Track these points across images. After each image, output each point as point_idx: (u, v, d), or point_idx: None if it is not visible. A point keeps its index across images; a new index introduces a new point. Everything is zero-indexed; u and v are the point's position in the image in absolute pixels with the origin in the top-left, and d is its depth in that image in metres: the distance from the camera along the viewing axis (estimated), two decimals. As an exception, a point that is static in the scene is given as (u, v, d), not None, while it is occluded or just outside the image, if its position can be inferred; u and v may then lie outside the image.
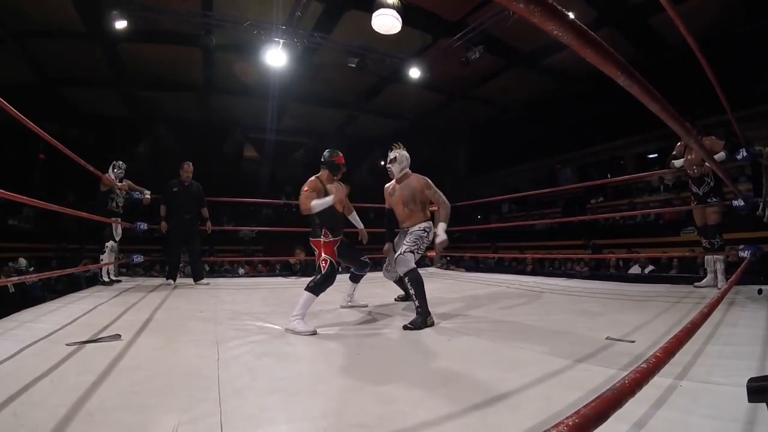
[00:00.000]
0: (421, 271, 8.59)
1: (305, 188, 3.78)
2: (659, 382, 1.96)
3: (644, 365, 1.23)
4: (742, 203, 4.73)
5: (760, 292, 4.15)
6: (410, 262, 3.85)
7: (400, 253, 3.92)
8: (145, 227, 6.49)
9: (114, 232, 6.16)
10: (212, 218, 6.62)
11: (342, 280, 4.08)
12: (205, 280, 6.35)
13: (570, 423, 0.83)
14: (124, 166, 6.28)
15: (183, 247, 6.36)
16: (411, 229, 4.16)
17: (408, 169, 4.31)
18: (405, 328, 3.41)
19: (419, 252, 4.05)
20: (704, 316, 1.94)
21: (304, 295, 3.42)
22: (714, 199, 4.94)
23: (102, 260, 6.07)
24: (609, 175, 11.96)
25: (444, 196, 4.21)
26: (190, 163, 6.34)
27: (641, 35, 10.87)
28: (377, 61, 10.83)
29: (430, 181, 4.25)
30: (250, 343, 2.96)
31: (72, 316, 3.73)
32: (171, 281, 6.08)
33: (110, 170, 6.13)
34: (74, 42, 10.60)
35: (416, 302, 3.62)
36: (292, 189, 17.81)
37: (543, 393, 1.99)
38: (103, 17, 8.77)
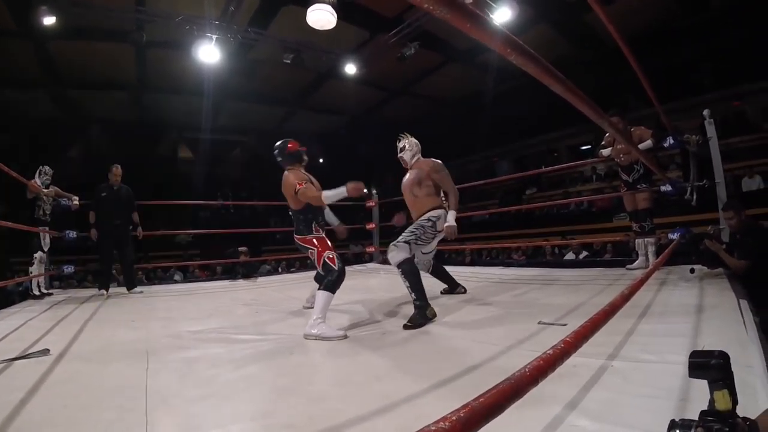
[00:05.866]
0: (359, 267, 8.59)
1: (298, 183, 3.49)
2: (590, 363, 2.03)
3: (550, 351, 1.14)
4: (671, 188, 4.97)
5: (692, 271, 4.34)
6: (401, 252, 3.62)
7: (393, 243, 3.72)
8: (74, 235, 6.22)
9: (42, 241, 5.89)
10: (147, 223, 6.41)
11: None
12: (138, 289, 6.18)
13: (453, 418, 0.74)
14: (50, 171, 6.02)
15: (116, 254, 6.13)
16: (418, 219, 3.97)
17: (420, 155, 4.27)
18: (405, 327, 3.23)
19: (419, 242, 3.83)
20: (625, 298, 1.88)
21: (321, 296, 3.23)
22: (643, 186, 5.14)
23: (31, 272, 5.79)
24: (543, 167, 12.40)
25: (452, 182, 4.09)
26: (119, 166, 6.13)
27: (576, 32, 11.28)
28: (314, 57, 10.74)
29: (441, 163, 4.14)
30: (181, 349, 2.92)
31: (1, 333, 3.58)
32: (103, 291, 5.86)
33: (36, 176, 5.85)
34: (3, 40, 9.96)
35: (413, 296, 3.44)
36: (230, 189, 17.42)
37: (475, 381, 2.01)
38: (32, 13, 8.26)
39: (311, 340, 3.04)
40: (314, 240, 3.53)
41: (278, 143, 3.80)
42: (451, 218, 3.89)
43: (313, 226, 3.57)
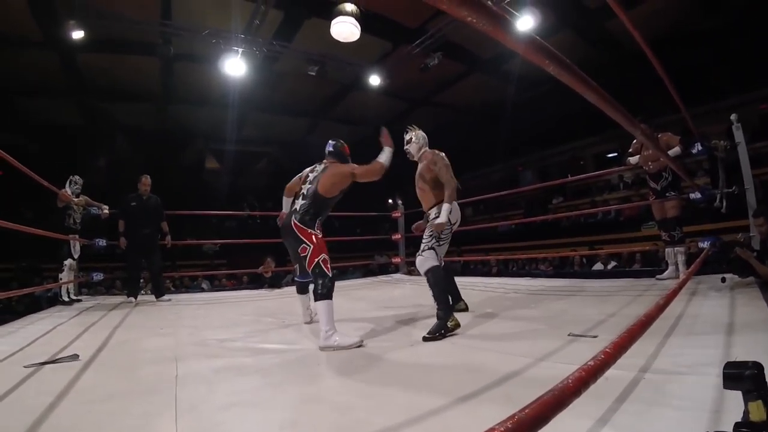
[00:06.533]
0: (384, 277, 8.53)
1: (354, 166, 3.66)
2: (622, 375, 1.97)
3: (591, 362, 1.13)
4: (700, 196, 4.84)
5: (723, 280, 4.25)
6: (427, 261, 3.59)
7: (418, 253, 3.68)
8: (104, 243, 6.36)
9: (72, 249, 6.02)
10: (174, 232, 6.50)
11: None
12: (166, 297, 6.26)
13: (501, 429, 0.75)
14: (81, 181, 6.17)
15: (144, 263, 6.23)
16: (429, 216, 3.89)
17: (426, 148, 4.12)
18: (425, 339, 3.15)
19: (442, 242, 3.72)
20: (660, 308, 1.86)
21: (322, 307, 3.17)
22: (672, 193, 5.03)
23: (61, 279, 5.91)
24: (569, 176, 12.26)
25: (451, 173, 3.86)
26: (148, 176, 6.24)
27: (599, 38, 11.16)
28: (338, 68, 10.84)
29: (441, 155, 3.96)
30: (208, 357, 2.94)
31: (31, 337, 3.67)
32: (132, 299, 5.94)
33: (67, 185, 6.00)
34: (32, 51, 10.25)
35: (436, 306, 3.39)
36: (256, 200, 17.58)
37: (505, 393, 1.99)
38: (60, 26, 8.52)
39: (330, 351, 3.01)
40: (314, 237, 3.42)
41: (335, 140, 3.93)
42: (443, 212, 3.71)
43: (318, 221, 3.52)
